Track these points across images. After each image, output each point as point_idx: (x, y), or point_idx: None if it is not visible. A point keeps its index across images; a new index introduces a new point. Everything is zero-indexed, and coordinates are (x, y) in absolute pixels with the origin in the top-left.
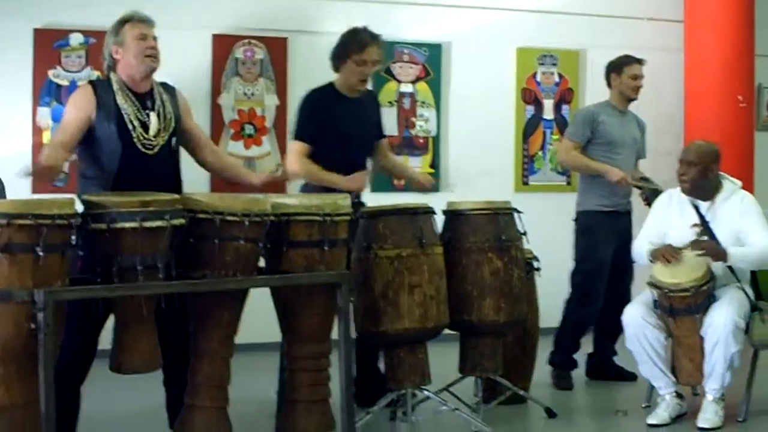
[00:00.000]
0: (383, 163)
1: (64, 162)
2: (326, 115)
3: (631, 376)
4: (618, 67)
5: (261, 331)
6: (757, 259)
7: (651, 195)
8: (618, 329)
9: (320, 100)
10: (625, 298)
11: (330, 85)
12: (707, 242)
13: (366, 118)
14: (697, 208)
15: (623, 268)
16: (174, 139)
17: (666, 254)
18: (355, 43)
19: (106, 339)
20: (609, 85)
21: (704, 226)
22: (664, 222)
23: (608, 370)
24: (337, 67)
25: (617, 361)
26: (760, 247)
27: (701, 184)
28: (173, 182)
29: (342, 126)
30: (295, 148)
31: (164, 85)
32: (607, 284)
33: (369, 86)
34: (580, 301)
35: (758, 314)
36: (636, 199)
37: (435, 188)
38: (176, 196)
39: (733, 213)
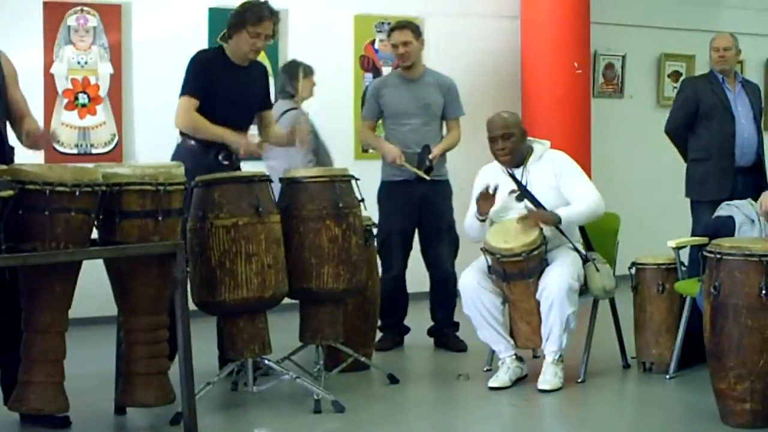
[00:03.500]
0: (265, 135)
1: None
2: (210, 76)
3: (456, 347)
4: (388, 38)
5: (97, 304)
6: (587, 213)
7: (419, 165)
8: (445, 296)
9: (207, 60)
10: (441, 267)
11: (220, 49)
12: (538, 213)
13: (250, 88)
14: (512, 176)
15: (433, 236)
16: None
17: (483, 195)
18: (253, 15)
19: None
20: None
21: (522, 190)
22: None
23: (440, 338)
24: (230, 35)
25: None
26: (586, 201)
27: (519, 151)
28: None
29: (223, 91)
30: (183, 104)
31: None
32: (426, 254)
33: None
34: None
35: (592, 264)
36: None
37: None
38: (3, 167)
39: (547, 172)
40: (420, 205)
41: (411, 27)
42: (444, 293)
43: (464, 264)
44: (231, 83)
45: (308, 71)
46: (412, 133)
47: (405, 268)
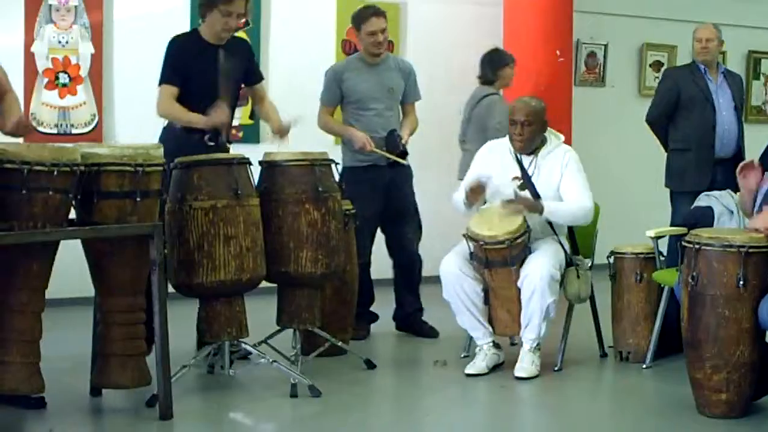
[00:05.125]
0: (262, 111)
1: None
2: (185, 61)
3: (429, 333)
4: (356, 23)
5: (74, 285)
6: (571, 214)
7: (390, 150)
8: (412, 280)
9: (182, 45)
10: (408, 250)
11: (194, 30)
12: (523, 198)
13: (228, 66)
14: (520, 162)
15: (400, 220)
16: None
17: (473, 188)
18: None
19: None
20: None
21: (525, 179)
22: (484, 173)
23: (412, 324)
24: (203, 15)
25: (430, 315)
26: (575, 203)
27: (534, 141)
28: None
29: (199, 74)
30: (162, 92)
31: None
32: (392, 237)
33: None
34: None
35: (574, 269)
36: (419, 146)
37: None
38: None
39: (555, 167)
40: (387, 190)
41: (384, 14)
42: (411, 277)
43: (443, 250)
44: (207, 65)
45: (512, 61)
46: (377, 117)
47: (371, 255)
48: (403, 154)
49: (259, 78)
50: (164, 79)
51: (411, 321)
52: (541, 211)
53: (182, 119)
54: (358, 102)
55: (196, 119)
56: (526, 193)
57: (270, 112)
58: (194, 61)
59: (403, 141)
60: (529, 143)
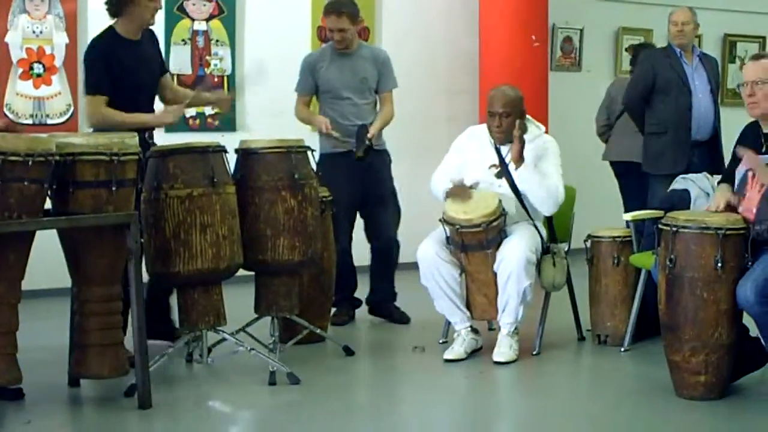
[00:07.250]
0: (171, 97)
1: None
2: (115, 63)
3: (400, 319)
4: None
5: (50, 276)
6: (545, 186)
7: (357, 146)
8: (388, 264)
9: (107, 48)
10: (386, 234)
11: (111, 30)
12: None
13: (149, 59)
14: (498, 150)
15: (378, 205)
16: None
17: (457, 192)
18: None
19: None
20: None
21: (503, 167)
22: (463, 160)
23: (383, 309)
24: (121, 12)
25: (408, 301)
26: (551, 184)
27: (512, 130)
28: None
29: (130, 72)
30: (91, 103)
31: None
32: (369, 222)
33: None
34: None
35: (550, 257)
36: (395, 131)
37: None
38: None
39: (534, 156)
40: (364, 176)
41: (347, 12)
42: (387, 261)
43: (419, 235)
44: (133, 62)
45: None
46: (351, 107)
47: (351, 240)
48: (368, 149)
49: (166, 68)
50: (92, 90)
51: (383, 306)
52: (522, 162)
53: (128, 123)
54: (331, 91)
55: (145, 118)
56: (503, 182)
57: (182, 92)
58: (119, 63)
59: (369, 136)
60: (509, 134)
